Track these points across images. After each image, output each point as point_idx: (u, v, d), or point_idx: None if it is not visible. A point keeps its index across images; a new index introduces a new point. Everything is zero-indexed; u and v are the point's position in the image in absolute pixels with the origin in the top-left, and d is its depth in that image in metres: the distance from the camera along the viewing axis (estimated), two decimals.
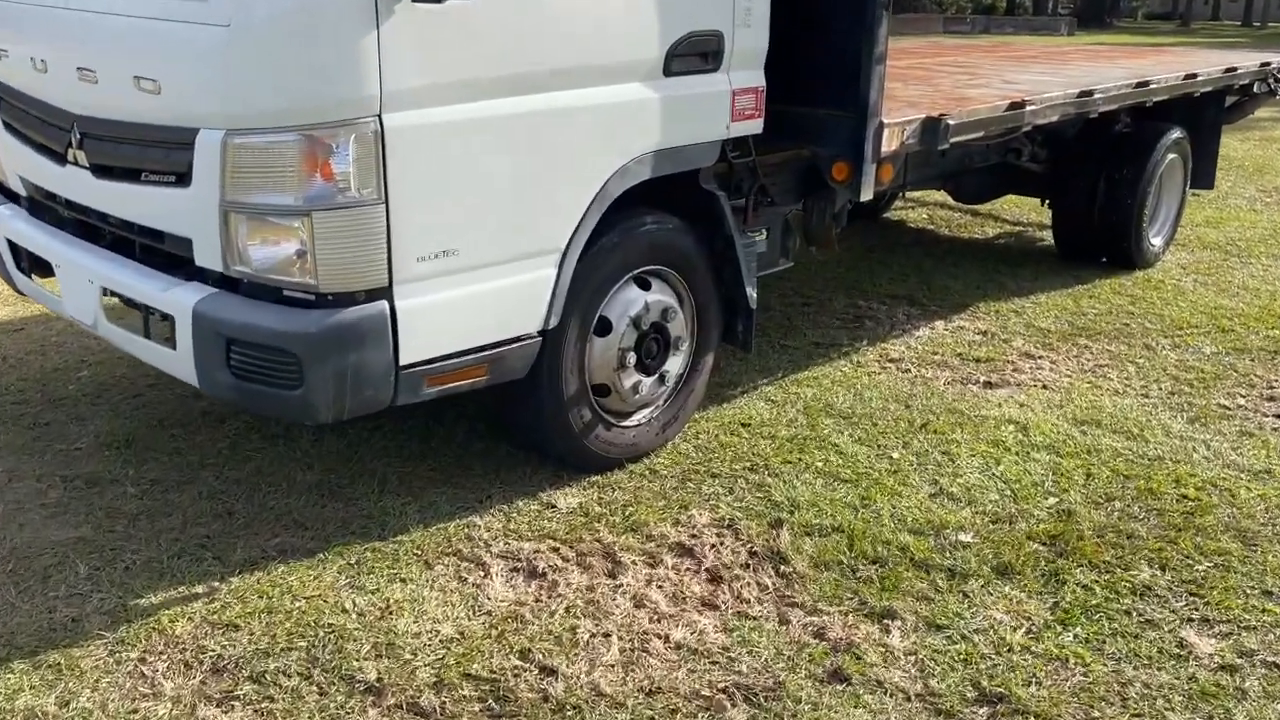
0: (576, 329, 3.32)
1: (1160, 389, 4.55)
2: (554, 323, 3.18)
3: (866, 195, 3.91)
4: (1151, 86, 5.49)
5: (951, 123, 4.07)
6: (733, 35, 3.41)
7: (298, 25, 2.54)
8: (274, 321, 2.69)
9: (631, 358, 3.50)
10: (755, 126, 3.64)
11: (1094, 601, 2.93)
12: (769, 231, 4.26)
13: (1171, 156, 6.25)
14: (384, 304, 2.74)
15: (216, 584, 2.90)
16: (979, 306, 5.66)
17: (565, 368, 3.32)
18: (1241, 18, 55.41)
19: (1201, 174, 6.79)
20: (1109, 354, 4.98)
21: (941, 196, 7.50)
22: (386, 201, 2.66)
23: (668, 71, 3.27)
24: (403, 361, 2.82)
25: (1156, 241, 6.46)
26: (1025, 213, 7.97)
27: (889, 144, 3.88)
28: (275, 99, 2.58)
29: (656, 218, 3.51)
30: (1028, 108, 4.50)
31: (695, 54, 3.34)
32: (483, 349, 3.02)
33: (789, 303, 5.66)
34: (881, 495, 3.51)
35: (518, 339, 3.11)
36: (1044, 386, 4.56)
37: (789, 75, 3.79)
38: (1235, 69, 6.28)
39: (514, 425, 3.66)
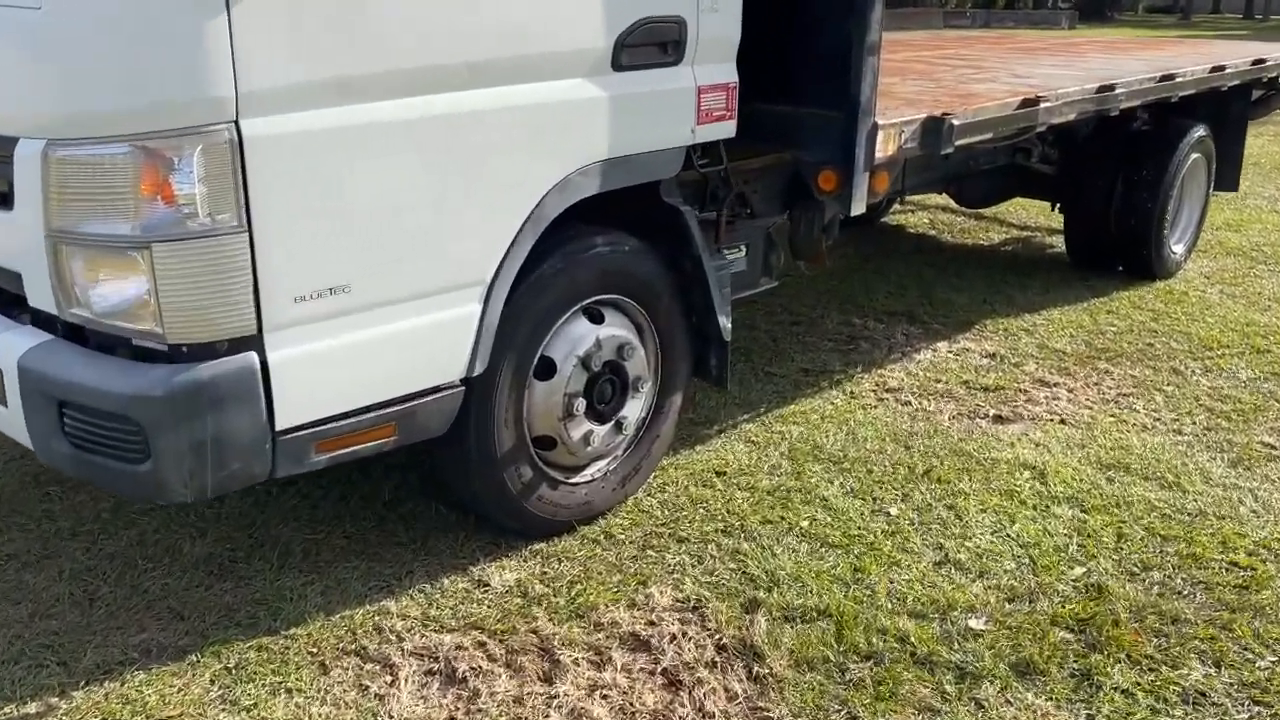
0: (511, 374, 2.78)
1: (1194, 423, 4.00)
2: (480, 368, 2.63)
3: (858, 208, 3.36)
4: (1177, 80, 4.95)
5: (957, 123, 3.52)
6: (697, 22, 2.86)
7: (124, 5, 1.99)
8: (109, 381, 2.15)
9: (580, 404, 2.95)
10: (726, 129, 3.09)
11: (1138, 714, 2.38)
12: (748, 248, 3.71)
13: (1195, 156, 5.71)
14: (252, 356, 2.20)
15: (54, 700, 2.35)
16: (985, 324, 5.11)
17: (497, 420, 2.78)
18: (1243, 10, 54.83)
19: (1225, 175, 6.25)
20: (1133, 380, 4.44)
21: (943, 199, 6.95)
22: (250, 229, 2.12)
23: (617, 65, 2.72)
24: (281, 425, 2.28)
25: (1178, 249, 5.93)
26: (1033, 216, 7.43)
27: (884, 148, 3.33)
28: (101, 100, 2.03)
29: (609, 238, 2.96)
30: (1042, 105, 3.95)
31: (650, 44, 2.79)
32: (388, 404, 2.48)
33: (776, 321, 5.11)
34: (877, 565, 2.97)
35: (434, 390, 2.57)
36: (1062, 421, 4.01)
37: (766, 68, 3.25)
38: (1264, 61, 5.73)
39: (443, 484, 3.12)
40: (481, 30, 2.39)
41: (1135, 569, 2.98)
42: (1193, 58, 5.76)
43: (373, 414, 2.45)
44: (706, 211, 3.38)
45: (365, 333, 2.37)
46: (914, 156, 3.64)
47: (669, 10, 2.80)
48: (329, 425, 2.37)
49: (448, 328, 2.53)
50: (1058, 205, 6.05)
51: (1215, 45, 7.09)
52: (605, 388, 3.03)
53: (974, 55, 6.09)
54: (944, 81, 4.54)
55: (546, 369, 2.89)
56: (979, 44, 7.26)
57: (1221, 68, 5.31)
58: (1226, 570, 2.98)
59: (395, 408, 2.49)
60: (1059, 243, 6.41)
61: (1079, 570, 2.97)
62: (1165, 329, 5.07)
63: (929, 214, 7.52)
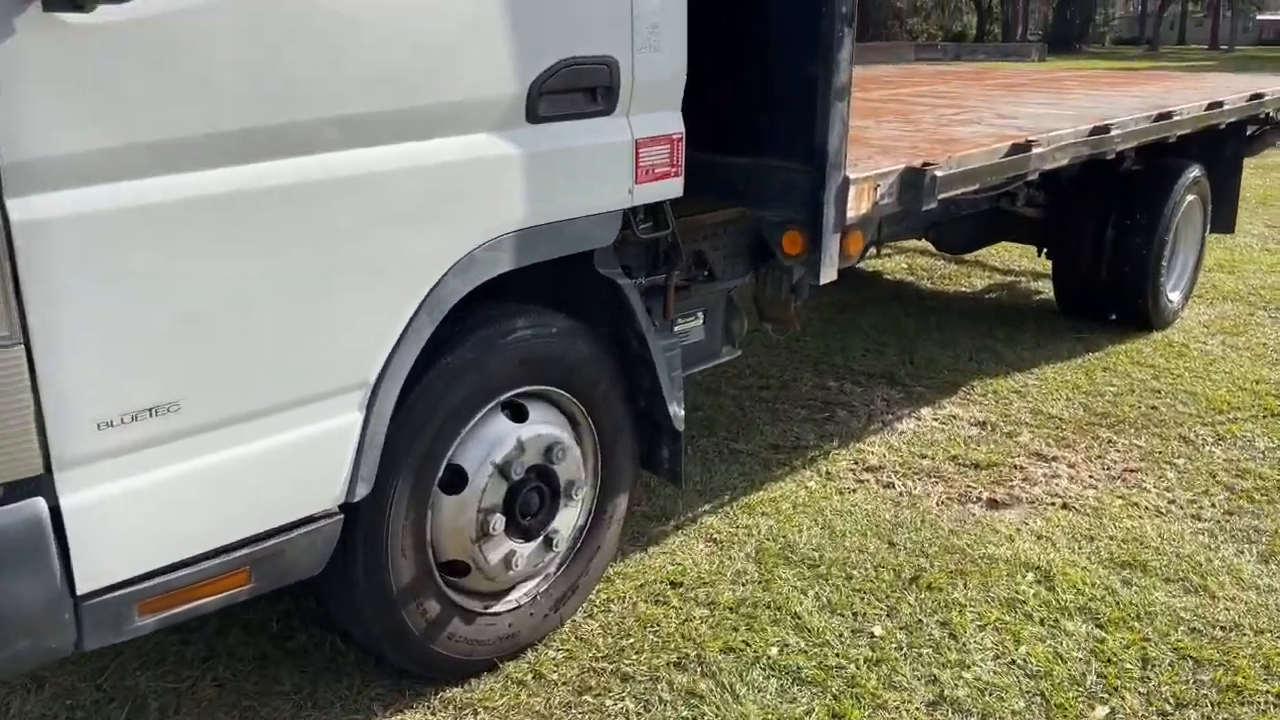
0: (408, 491, 2.27)
1: (1213, 505, 3.54)
2: (364, 490, 2.12)
3: (828, 275, 2.89)
4: (1175, 119, 4.55)
5: (939, 175, 3.07)
6: (631, 63, 2.39)
7: None
8: None
9: (499, 522, 2.44)
10: (672, 188, 2.62)
11: None
12: (706, 315, 3.25)
13: (1190, 198, 5.32)
14: (38, 504, 1.68)
15: None
16: (973, 386, 4.65)
17: (392, 549, 2.26)
18: (1208, 41, 55.79)
19: (1221, 216, 5.87)
20: (1139, 452, 3.98)
21: (922, 241, 6.54)
22: (26, 340, 1.61)
23: (533, 116, 2.24)
24: (84, 588, 1.76)
25: (1175, 297, 5.52)
26: (1016, 259, 7.04)
27: (857, 206, 2.87)
28: None
29: (532, 320, 2.47)
30: (1035, 151, 3.52)
31: (575, 90, 2.32)
32: (238, 546, 1.96)
33: (743, 385, 4.63)
34: (859, 709, 2.46)
35: (302, 523, 2.05)
36: (1064, 505, 3.54)
37: (719, 113, 2.80)
38: (1262, 96, 5.36)
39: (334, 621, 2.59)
40: (352, 77, 1.90)
41: (1168, 707, 2.49)
42: (1186, 94, 5.38)
43: (218, 560, 1.93)
44: (655, 275, 2.91)
45: (203, 460, 1.86)
46: (892, 214, 3.18)
47: (597, 50, 2.33)
48: (155, 581, 1.85)
49: (318, 445, 2.02)
50: (1044, 250, 5.65)
51: (1205, 79, 6.75)
52: (531, 498, 2.53)
53: (953, 92, 5.69)
54: (922, 124, 4.10)
55: (455, 480, 2.39)
56: (957, 79, 6.88)
57: (1219, 104, 4.93)
58: (1275, 706, 2.50)
59: (248, 549, 1.97)
60: (1046, 288, 6.01)
61: (1102, 712, 2.47)
62: (1168, 388, 4.63)
63: (907, 258, 7.10)
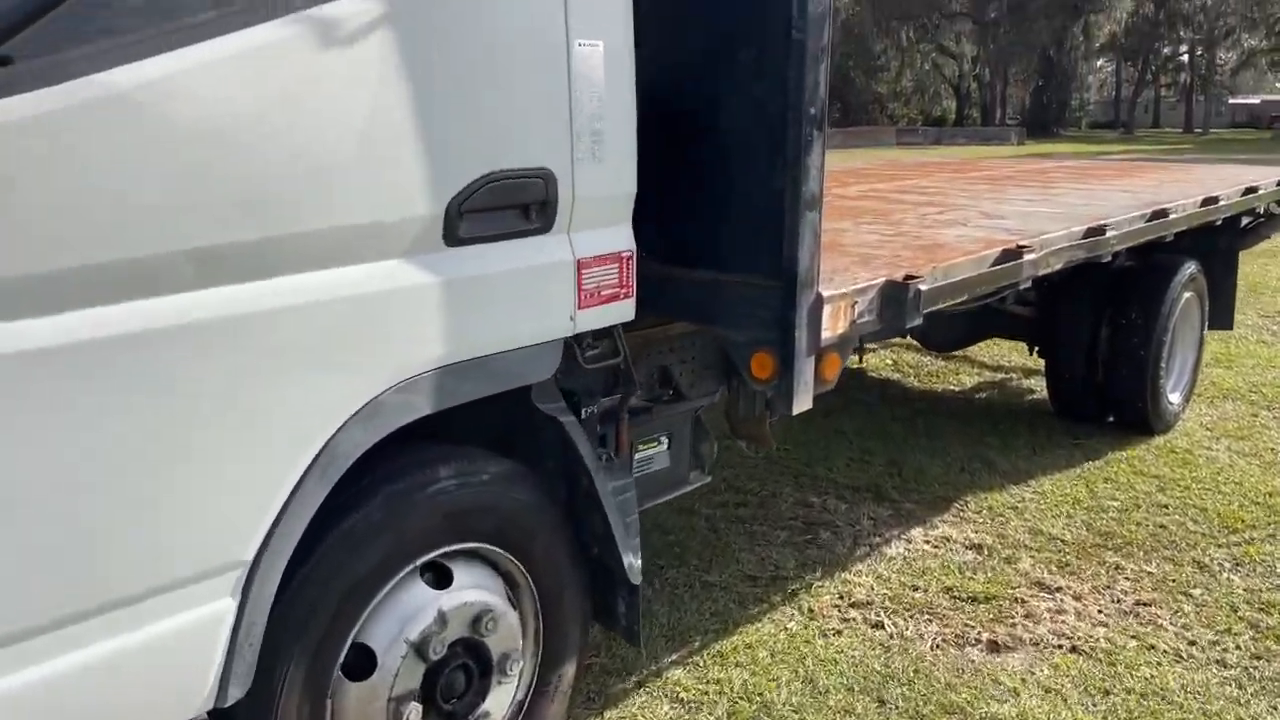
0: (300, 681, 1.89)
1: (1238, 648, 3.17)
2: (237, 693, 1.75)
3: (802, 404, 2.56)
4: (1171, 218, 4.31)
5: (924, 288, 2.77)
6: (571, 175, 2.10)
7: None
8: None
9: (414, 711, 2.05)
10: (623, 311, 2.31)
11: None
12: (671, 438, 2.93)
13: (1187, 295, 5.08)
14: None
15: None
16: (966, 501, 4.31)
17: None
18: (1182, 125, 57.13)
19: (1219, 312, 5.63)
20: (1151, 580, 3.62)
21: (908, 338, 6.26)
22: None
23: (452, 238, 1.94)
24: None
25: (1175, 398, 5.23)
26: (1006, 354, 6.76)
27: (833, 325, 2.56)
28: None
29: (458, 466, 2.12)
30: (1026, 258, 3.23)
31: (504, 207, 2.02)
32: None
33: (717, 502, 4.27)
34: None
35: None
36: (1073, 648, 3.17)
37: (677, 224, 2.51)
38: (1256, 189, 5.15)
39: None
40: (212, 203, 1.59)
41: None
42: (1178, 187, 5.17)
43: None
44: (611, 396, 2.58)
45: (13, 679, 1.48)
46: (872, 331, 2.87)
47: (529, 161, 2.03)
48: None
49: (174, 644, 1.65)
50: (1036, 349, 5.37)
51: (1193, 169, 6.59)
52: (455, 678, 2.15)
53: (935, 188, 5.47)
54: (904, 225, 3.84)
55: (361, 662, 2.01)
56: (939, 172, 6.69)
57: (1214, 199, 4.70)
58: None
59: None
60: (1039, 386, 5.72)
61: None
62: (1176, 503, 4.29)
63: (892, 354, 6.82)
